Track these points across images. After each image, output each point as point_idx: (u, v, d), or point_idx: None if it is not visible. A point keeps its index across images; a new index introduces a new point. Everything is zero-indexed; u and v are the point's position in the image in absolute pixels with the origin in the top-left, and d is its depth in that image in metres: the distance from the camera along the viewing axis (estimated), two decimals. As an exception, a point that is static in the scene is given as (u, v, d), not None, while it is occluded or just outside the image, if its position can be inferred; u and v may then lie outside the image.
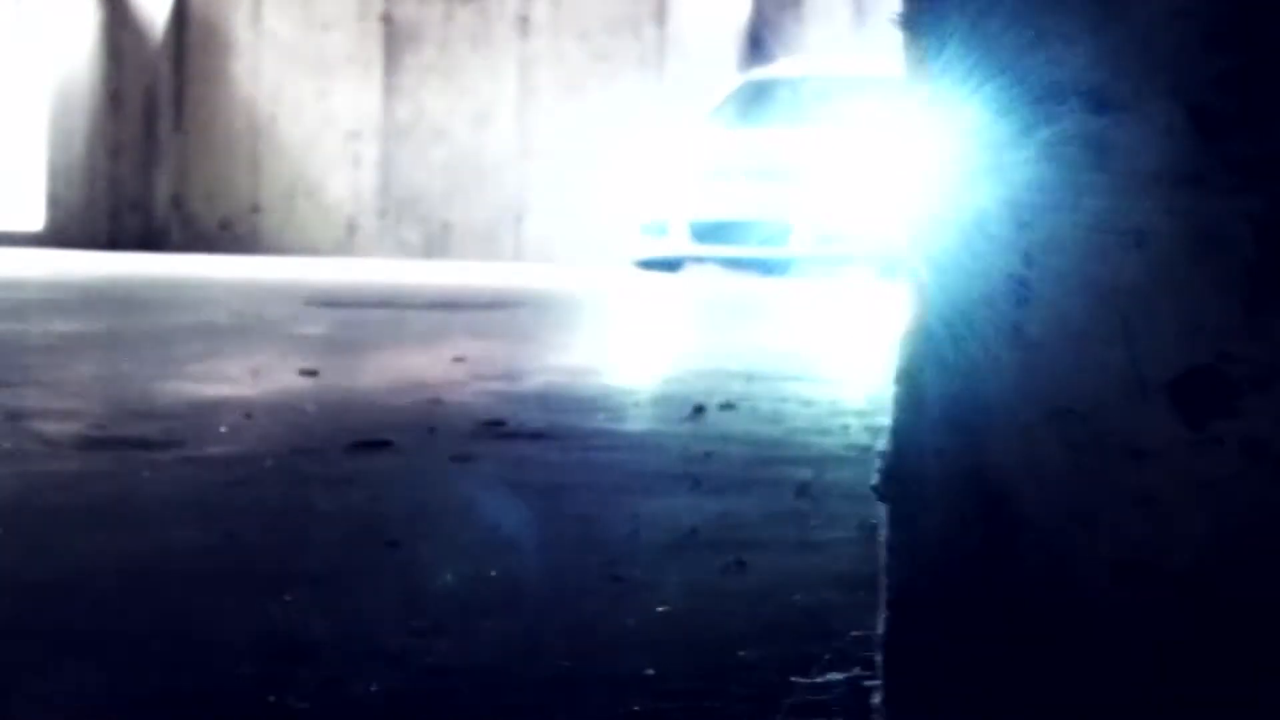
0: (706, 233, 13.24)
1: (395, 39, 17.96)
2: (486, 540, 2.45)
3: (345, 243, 18.04)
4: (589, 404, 4.28)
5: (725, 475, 3.17)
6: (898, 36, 1.54)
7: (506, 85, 17.73)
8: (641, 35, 17.54)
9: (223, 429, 3.46)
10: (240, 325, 6.81)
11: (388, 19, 17.96)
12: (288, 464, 3.08)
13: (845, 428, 3.93)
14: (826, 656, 1.85)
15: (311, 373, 4.64)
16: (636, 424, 3.83)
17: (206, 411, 3.81)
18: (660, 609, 2.07)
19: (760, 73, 15.99)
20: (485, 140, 17.81)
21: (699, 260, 13.83)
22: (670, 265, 13.90)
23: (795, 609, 2.11)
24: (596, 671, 1.79)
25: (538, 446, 3.42)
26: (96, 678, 1.71)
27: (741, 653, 1.86)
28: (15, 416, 3.52)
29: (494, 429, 3.63)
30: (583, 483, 3.02)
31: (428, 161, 17.94)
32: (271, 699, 1.63)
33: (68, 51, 16.86)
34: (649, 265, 13.90)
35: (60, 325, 6.62)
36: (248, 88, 18.16)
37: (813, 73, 15.68)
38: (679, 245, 13.34)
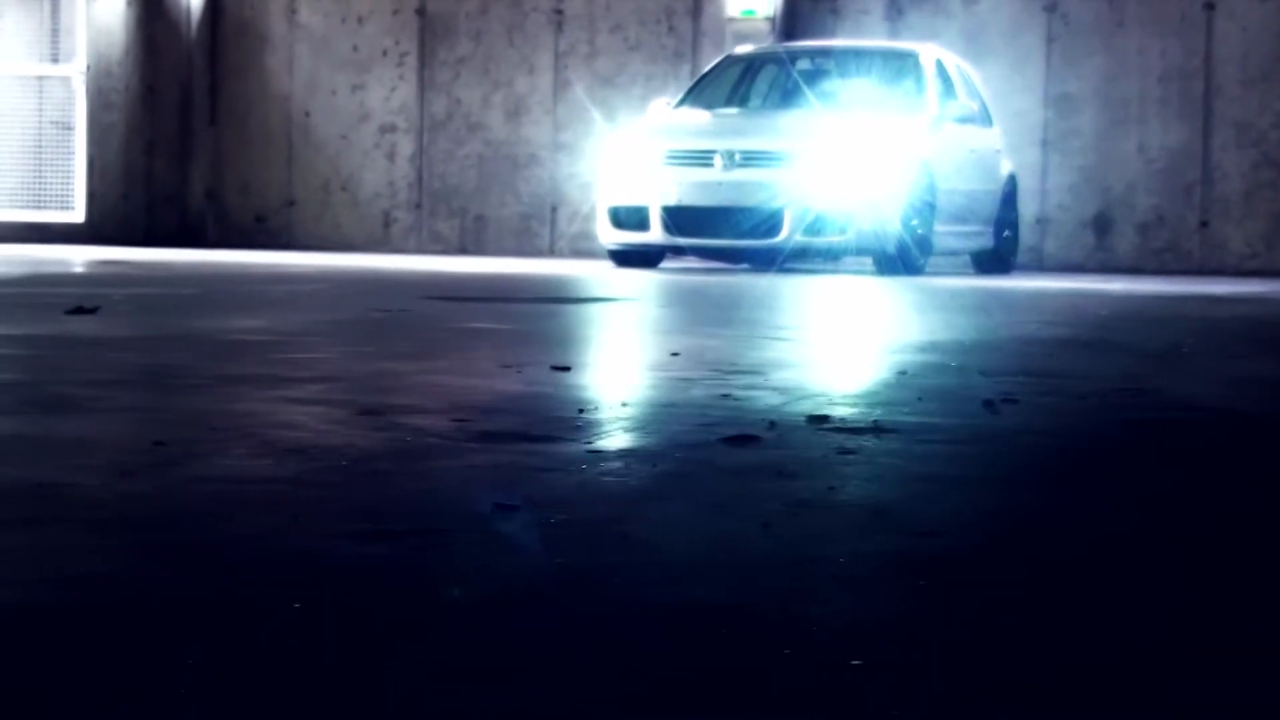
0: (686, 221, 12.49)
1: (430, 32, 17.95)
2: (998, 531, 2.46)
3: (380, 237, 18.04)
4: (874, 398, 4.29)
5: (1109, 468, 3.20)
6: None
7: (541, 78, 17.75)
8: (676, 29, 17.58)
9: (577, 423, 3.47)
10: (400, 321, 6.78)
11: (422, 12, 17.95)
12: (693, 456, 3.06)
13: (1135, 422, 3.97)
14: None
15: (565, 368, 4.64)
16: (947, 418, 3.84)
17: (541, 406, 3.80)
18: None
19: (744, 48, 15.29)
20: (520, 133, 17.83)
21: (678, 251, 13.08)
22: (646, 256, 13.20)
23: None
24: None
25: (890, 440, 3.41)
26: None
27: None
28: (372, 411, 3.50)
29: (823, 423, 3.64)
30: (980, 476, 3.00)
31: (462, 155, 17.95)
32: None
33: (102, 46, 16.80)
34: (623, 256, 13.17)
35: (231, 322, 6.60)
36: (282, 81, 18.13)
37: (798, 47, 15.07)
38: (656, 235, 12.65)
